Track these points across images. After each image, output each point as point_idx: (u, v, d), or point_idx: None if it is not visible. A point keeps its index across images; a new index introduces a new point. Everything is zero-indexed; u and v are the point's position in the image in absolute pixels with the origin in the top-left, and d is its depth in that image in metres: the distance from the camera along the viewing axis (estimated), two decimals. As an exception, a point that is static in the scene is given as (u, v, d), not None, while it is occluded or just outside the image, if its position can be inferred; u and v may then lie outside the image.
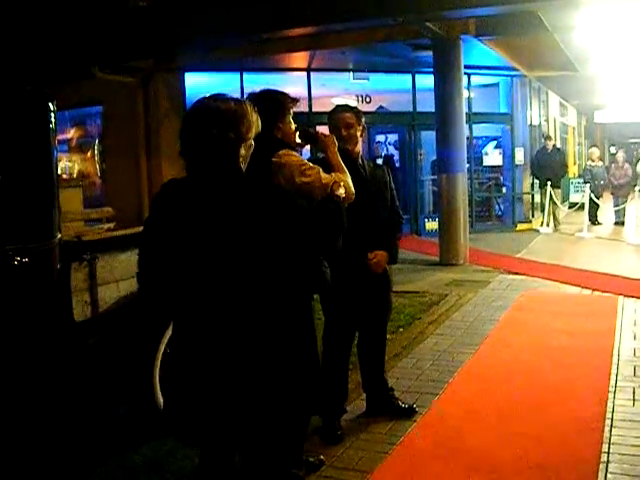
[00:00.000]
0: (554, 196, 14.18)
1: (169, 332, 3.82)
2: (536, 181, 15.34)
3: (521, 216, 15.15)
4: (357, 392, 4.54)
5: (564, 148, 19.48)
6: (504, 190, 15.47)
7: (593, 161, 15.92)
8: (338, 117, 4.02)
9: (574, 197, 16.38)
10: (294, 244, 2.40)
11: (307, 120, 11.07)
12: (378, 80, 13.85)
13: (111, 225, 5.06)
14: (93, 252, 4.10)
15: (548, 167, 14.42)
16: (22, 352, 3.63)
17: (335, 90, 14.21)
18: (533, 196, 15.81)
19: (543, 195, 14.65)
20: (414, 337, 6.17)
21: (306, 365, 2.59)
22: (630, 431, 3.95)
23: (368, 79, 13.70)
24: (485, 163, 15.46)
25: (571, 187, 16.78)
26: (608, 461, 3.58)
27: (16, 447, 3.56)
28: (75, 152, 13.48)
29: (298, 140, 3.34)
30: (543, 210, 14.64)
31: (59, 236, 3.87)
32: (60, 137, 12.29)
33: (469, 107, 13.57)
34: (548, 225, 14.31)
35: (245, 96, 3.12)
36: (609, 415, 4.19)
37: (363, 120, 4.08)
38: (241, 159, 2.46)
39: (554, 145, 15.31)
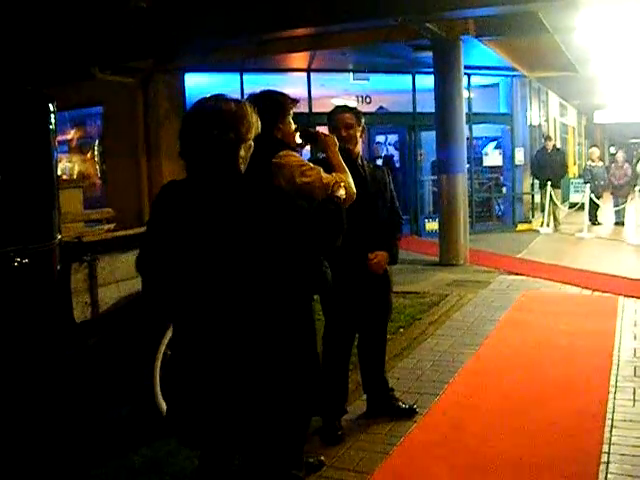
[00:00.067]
0: (554, 196, 14.18)
1: (169, 333, 3.83)
2: (536, 181, 15.35)
3: (521, 216, 15.15)
4: (357, 393, 4.54)
5: (564, 148, 19.48)
6: (504, 190, 15.47)
7: (593, 161, 15.92)
8: (338, 118, 4.02)
9: (574, 197, 16.38)
10: (294, 245, 2.40)
11: (307, 121, 11.06)
12: (378, 81, 13.85)
13: (111, 226, 5.05)
14: (93, 253, 4.10)
15: (548, 167, 14.43)
16: (22, 353, 3.63)
17: (335, 91, 14.21)
18: (533, 196, 15.81)
19: (543, 195, 14.65)
20: (414, 337, 6.17)
21: (306, 366, 2.59)
22: (630, 431, 3.95)
23: (368, 80, 13.70)
24: (485, 163, 15.46)
25: (571, 187, 16.78)
26: (608, 461, 3.58)
27: (17, 448, 3.56)
28: (75, 153, 13.48)
29: (298, 141, 3.34)
30: (543, 210, 14.64)
31: (59, 237, 3.87)
32: (60, 138, 12.29)
33: (469, 107, 13.57)
34: (548, 225, 14.31)
35: (245, 97, 3.12)
36: (609, 415, 4.19)
37: (363, 121, 4.09)
38: (241, 160, 2.46)
39: (554, 145, 15.31)
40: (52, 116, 3.85)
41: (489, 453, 3.76)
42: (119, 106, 11.70)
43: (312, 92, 12.96)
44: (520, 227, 14.66)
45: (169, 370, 2.80)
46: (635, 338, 5.93)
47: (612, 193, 15.66)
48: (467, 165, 11.60)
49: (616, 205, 15.23)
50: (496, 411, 4.38)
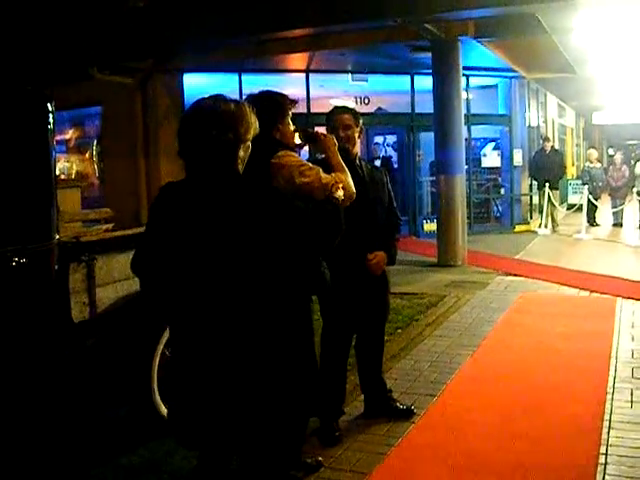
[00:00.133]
0: (552, 197, 14.20)
1: (167, 333, 3.82)
2: (534, 182, 15.36)
3: (519, 217, 15.15)
4: (355, 393, 4.55)
5: (562, 149, 19.50)
6: (502, 191, 15.47)
7: (591, 162, 15.94)
8: (336, 118, 4.03)
9: (572, 198, 16.41)
10: (292, 245, 2.40)
11: (306, 121, 11.06)
12: (377, 81, 13.85)
13: (109, 226, 5.04)
14: (91, 253, 4.09)
15: (546, 168, 14.44)
16: (20, 353, 3.63)
17: (334, 91, 14.21)
18: (531, 197, 15.81)
19: (541, 196, 14.66)
20: (412, 338, 6.17)
21: (304, 367, 2.59)
22: (628, 433, 3.95)
23: (367, 80, 13.70)
24: (483, 164, 15.47)
25: (569, 188, 16.80)
26: (606, 463, 3.59)
27: (14, 448, 3.56)
28: (73, 153, 13.47)
29: (297, 141, 3.34)
30: (541, 211, 14.66)
31: (57, 237, 3.86)
32: (58, 138, 12.30)
33: (467, 108, 13.58)
34: (546, 226, 14.32)
35: (244, 97, 3.12)
36: (607, 417, 4.20)
37: (361, 121, 4.10)
38: (239, 160, 2.46)
39: (552, 146, 15.33)
40: (50, 116, 3.84)
41: (486, 454, 3.77)
42: (118, 106, 11.69)
43: (311, 93, 12.96)
44: (518, 228, 14.67)
45: (168, 371, 2.79)
46: (633, 340, 5.94)
47: (610, 195, 15.67)
48: (465, 166, 11.61)
49: (614, 206, 15.25)
50: (493, 412, 4.38)
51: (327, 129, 4.02)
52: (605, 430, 4.00)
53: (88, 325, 4.08)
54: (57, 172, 4.44)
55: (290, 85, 12.83)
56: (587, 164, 16.27)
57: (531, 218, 15.52)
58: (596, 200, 14.84)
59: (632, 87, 17.60)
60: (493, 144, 15.75)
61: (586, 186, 14.72)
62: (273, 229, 2.35)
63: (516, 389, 4.80)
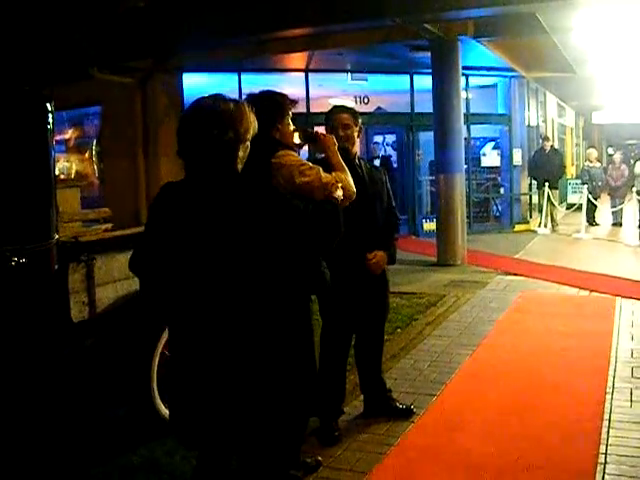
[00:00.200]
0: (552, 197, 14.20)
1: (166, 333, 3.82)
2: (534, 182, 15.36)
3: (519, 217, 15.15)
4: (355, 393, 4.55)
5: (562, 149, 19.50)
6: (502, 191, 15.47)
7: (591, 162, 15.93)
8: (335, 118, 4.03)
9: (572, 198, 16.40)
10: (291, 245, 2.40)
11: (305, 121, 11.06)
12: (376, 81, 13.85)
13: (109, 226, 5.04)
14: (91, 253, 4.09)
15: (546, 168, 14.44)
16: (19, 353, 3.63)
17: (333, 91, 14.20)
18: (531, 197, 15.81)
19: (541, 196, 14.66)
20: (412, 338, 6.17)
21: (304, 366, 2.59)
22: (628, 432, 3.95)
23: (366, 80, 13.70)
24: (483, 164, 15.46)
25: (569, 188, 16.80)
26: (606, 462, 3.59)
27: (13, 448, 3.56)
28: (73, 152, 13.46)
29: (297, 140, 3.34)
30: (541, 211, 14.66)
31: (56, 237, 3.86)
32: (58, 137, 12.29)
33: (467, 108, 13.58)
34: (546, 226, 14.32)
35: (244, 97, 3.12)
36: (607, 416, 4.20)
37: (360, 121, 4.10)
38: (239, 160, 2.46)
39: (552, 146, 15.32)
40: (50, 116, 3.84)
41: (486, 454, 3.76)
42: (117, 106, 11.68)
43: (310, 92, 12.96)
44: (518, 228, 14.67)
45: (167, 371, 2.79)
46: (632, 339, 5.94)
47: (609, 194, 15.68)
48: (465, 165, 11.59)
49: (614, 206, 15.25)
50: (493, 412, 4.38)
51: (326, 128, 4.02)
52: (605, 430, 4.00)
53: (87, 325, 4.08)
54: (56, 172, 4.44)
55: (289, 84, 12.82)
56: (586, 164, 16.26)
57: (531, 217, 15.52)
58: (595, 200, 14.84)
59: (632, 87, 17.60)
60: (492, 143, 15.74)
61: (585, 186, 14.72)
62: (272, 229, 2.35)
63: (516, 388, 4.80)
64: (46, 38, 9.25)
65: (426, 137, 13.25)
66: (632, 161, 17.48)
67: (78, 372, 3.93)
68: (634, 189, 14.00)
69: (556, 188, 14.75)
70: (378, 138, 17.16)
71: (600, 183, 15.47)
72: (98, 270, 4.13)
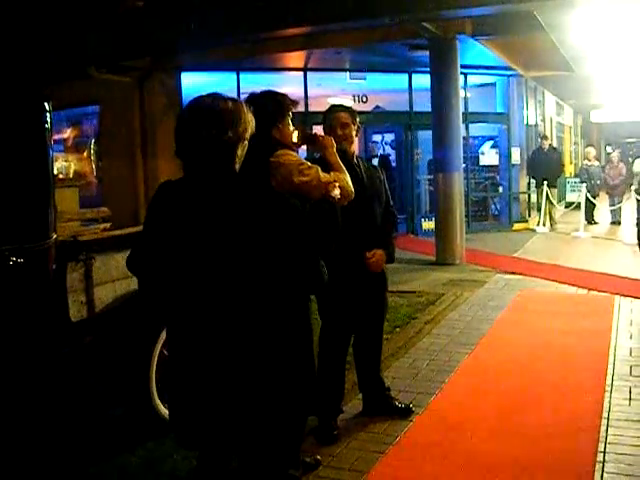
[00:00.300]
0: (550, 196, 14.20)
1: (165, 332, 3.82)
2: (532, 181, 15.37)
3: (517, 216, 15.16)
4: (353, 392, 4.55)
5: (560, 148, 19.50)
6: (500, 190, 15.47)
7: (589, 160, 15.93)
8: (334, 117, 4.03)
9: (570, 197, 16.39)
10: (289, 244, 2.40)
11: (304, 120, 11.06)
12: (375, 80, 13.84)
13: (107, 225, 5.04)
14: (89, 252, 4.09)
15: (544, 166, 14.44)
16: (18, 352, 3.62)
17: (332, 90, 14.20)
18: (529, 196, 15.82)
19: (539, 195, 14.67)
20: (410, 337, 6.17)
21: (303, 366, 2.59)
22: (626, 430, 3.96)
23: (365, 79, 13.69)
24: (481, 163, 15.45)
25: (567, 187, 16.80)
26: (604, 461, 3.59)
27: (11, 447, 3.56)
28: (71, 152, 13.44)
29: (294, 140, 3.34)
30: (539, 210, 14.67)
31: (55, 236, 3.85)
32: (56, 137, 12.27)
33: (465, 107, 13.57)
34: (544, 225, 14.33)
35: (244, 97, 3.12)
36: (605, 414, 4.20)
37: (358, 119, 4.10)
38: (237, 159, 2.46)
39: (550, 144, 15.33)
40: (48, 115, 3.84)
41: (485, 453, 3.77)
42: (115, 105, 11.68)
43: (308, 91, 12.96)
44: (516, 226, 14.67)
45: (166, 371, 2.79)
46: (631, 337, 5.94)
47: (608, 193, 15.69)
48: (463, 164, 11.60)
49: (612, 204, 15.26)
50: (492, 410, 4.38)
51: (324, 127, 4.03)
52: (603, 428, 4.00)
53: (86, 324, 4.08)
54: (55, 171, 4.44)
55: (288, 83, 12.82)
56: (585, 162, 16.26)
57: (529, 216, 15.53)
58: (594, 198, 14.85)
59: (630, 85, 17.61)
60: (491, 142, 15.73)
61: (584, 184, 14.72)
62: (270, 228, 2.35)
63: (514, 387, 4.80)
64: (44, 37, 9.24)
65: (425, 136, 13.24)
66: (630, 159, 17.49)
67: (77, 371, 3.93)
68: (632, 187, 13.99)
69: (555, 187, 14.76)
70: (377, 137, 17.17)
71: (599, 182, 15.47)
72: (97, 269, 4.13)
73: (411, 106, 13.90)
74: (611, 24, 10.05)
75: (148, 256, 2.49)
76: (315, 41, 10.39)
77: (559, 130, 21.54)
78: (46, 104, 3.83)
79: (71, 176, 12.71)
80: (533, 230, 14.30)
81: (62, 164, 13.02)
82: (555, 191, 14.74)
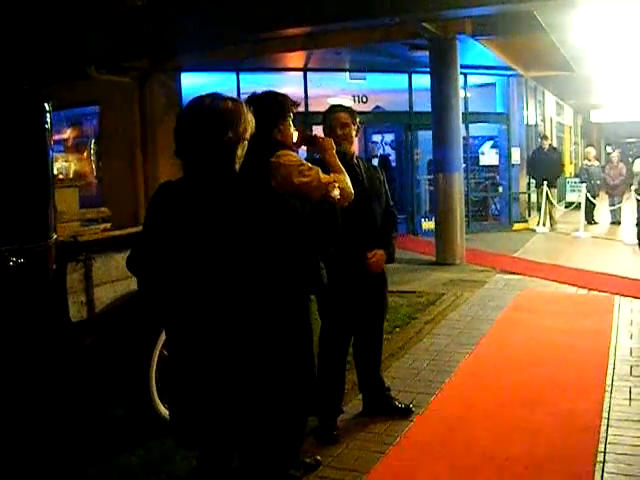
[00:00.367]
0: (550, 195, 14.20)
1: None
2: (532, 180, 15.36)
3: (517, 216, 15.15)
4: (353, 392, 4.55)
5: (560, 148, 19.50)
6: (500, 190, 15.46)
7: (589, 160, 15.92)
8: (334, 117, 4.03)
9: (570, 196, 16.38)
10: (289, 245, 2.40)
11: (304, 120, 11.06)
12: (375, 80, 13.83)
13: (107, 225, 5.04)
14: (89, 252, 4.09)
15: (544, 166, 14.43)
16: (18, 352, 3.62)
17: (332, 90, 14.19)
18: (529, 196, 15.81)
19: (539, 194, 14.66)
20: (410, 337, 6.17)
21: (303, 366, 2.59)
22: (626, 430, 3.96)
23: (365, 79, 13.68)
24: (481, 163, 15.44)
25: (567, 186, 16.79)
26: (604, 461, 3.59)
27: (10, 447, 3.56)
28: (71, 152, 13.44)
29: (294, 140, 3.34)
30: (539, 210, 14.66)
31: (55, 236, 3.86)
32: (56, 137, 12.27)
33: (465, 107, 13.56)
34: (544, 225, 14.32)
35: (245, 97, 3.12)
36: (605, 414, 4.20)
37: (358, 120, 4.10)
38: (237, 159, 2.46)
39: (550, 144, 15.32)
40: (48, 115, 3.84)
41: (485, 452, 3.77)
42: (115, 105, 11.67)
43: (308, 91, 12.95)
44: (516, 226, 14.67)
45: (166, 371, 2.79)
46: (631, 337, 5.94)
47: (607, 193, 15.68)
48: (463, 164, 11.59)
49: (612, 204, 15.26)
50: (492, 410, 4.38)
51: (324, 127, 4.02)
52: (604, 428, 4.00)
53: (86, 324, 4.08)
54: (55, 171, 4.44)
55: (288, 84, 12.82)
56: (585, 162, 16.26)
57: (529, 216, 15.52)
58: (594, 198, 14.84)
59: (630, 85, 17.61)
60: (491, 142, 15.72)
61: (584, 184, 14.71)
62: (270, 228, 2.35)
63: (514, 387, 4.80)
64: (44, 38, 9.25)
65: (425, 136, 13.23)
66: (630, 159, 17.49)
67: (77, 372, 3.93)
68: (632, 187, 13.98)
69: (555, 187, 14.76)
70: (377, 137, 17.16)
71: (599, 182, 15.47)
72: (97, 270, 4.13)
73: (411, 106, 13.90)
74: (612, 24, 10.05)
75: (148, 256, 2.49)
76: (315, 41, 10.39)
77: (559, 130, 21.54)
78: (46, 104, 3.84)
79: (71, 176, 12.72)
80: (533, 230, 14.30)
81: (62, 164, 13.04)
82: (555, 191, 14.74)
